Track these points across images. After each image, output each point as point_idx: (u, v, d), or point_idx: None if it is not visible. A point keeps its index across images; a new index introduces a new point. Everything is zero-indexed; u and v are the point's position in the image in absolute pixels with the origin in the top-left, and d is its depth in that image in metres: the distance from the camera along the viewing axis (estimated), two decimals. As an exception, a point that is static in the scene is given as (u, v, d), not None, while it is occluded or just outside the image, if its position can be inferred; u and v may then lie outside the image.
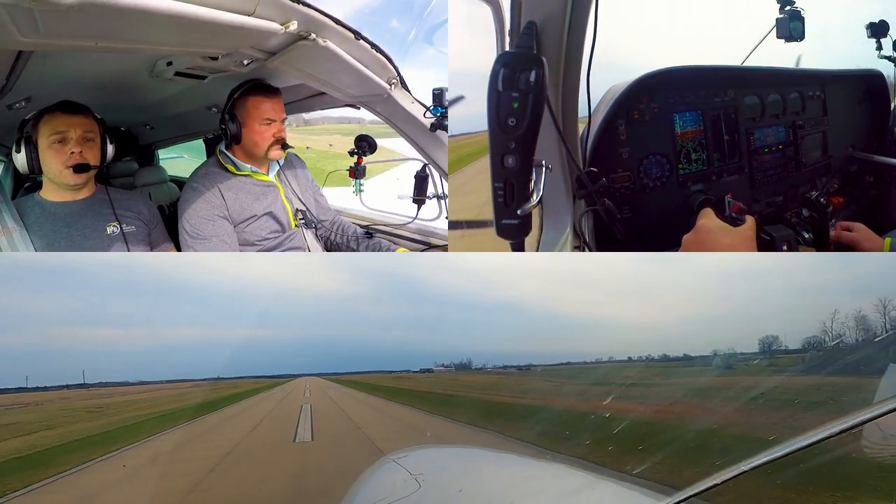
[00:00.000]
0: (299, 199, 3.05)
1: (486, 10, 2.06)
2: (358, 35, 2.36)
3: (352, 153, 3.29)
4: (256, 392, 33.39)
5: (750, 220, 1.78)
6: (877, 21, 3.09)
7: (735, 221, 1.79)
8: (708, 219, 1.79)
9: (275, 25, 2.00)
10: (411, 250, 3.42)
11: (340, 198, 3.74)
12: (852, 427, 0.87)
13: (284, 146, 2.85)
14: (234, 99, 2.77)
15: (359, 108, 3.25)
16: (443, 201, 3.19)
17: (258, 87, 2.78)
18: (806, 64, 2.93)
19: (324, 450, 8.74)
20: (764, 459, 0.94)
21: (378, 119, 3.08)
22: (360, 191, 3.42)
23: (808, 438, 0.90)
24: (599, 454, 5.55)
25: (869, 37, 3.08)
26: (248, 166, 2.85)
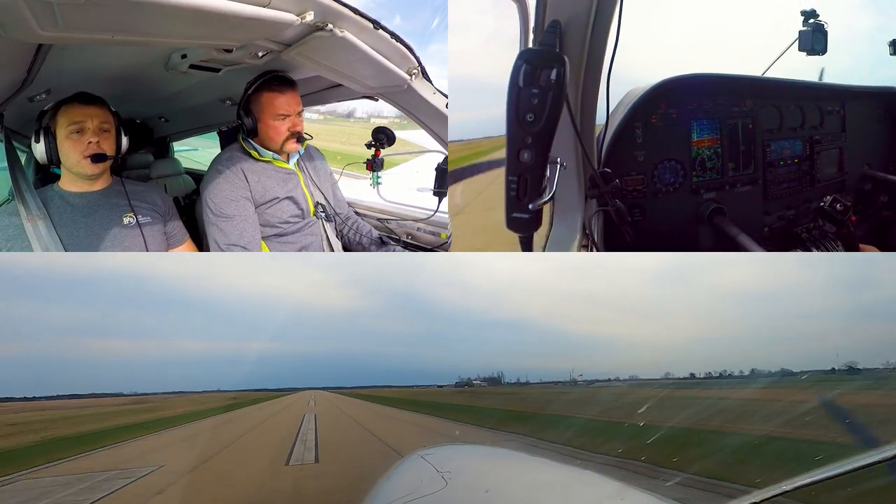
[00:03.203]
0: (319, 191, 3.08)
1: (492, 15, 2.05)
2: (377, 24, 2.32)
3: (369, 145, 3.29)
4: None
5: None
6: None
7: None
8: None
9: (290, 16, 1.98)
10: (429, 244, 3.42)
11: (357, 190, 3.74)
12: None
13: (300, 139, 2.86)
14: (249, 94, 2.78)
15: (377, 100, 3.21)
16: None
17: (272, 80, 2.77)
18: (827, 78, 2.91)
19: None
20: (808, 480, 0.91)
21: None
22: (378, 183, 3.40)
23: (858, 461, 0.87)
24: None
25: (892, 54, 3.05)
26: (270, 153, 2.88)
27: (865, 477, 0.89)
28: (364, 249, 3.28)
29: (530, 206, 1.52)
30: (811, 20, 2.73)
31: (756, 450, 6.92)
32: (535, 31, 1.79)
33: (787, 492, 0.93)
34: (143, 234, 2.62)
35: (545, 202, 1.54)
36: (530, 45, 1.89)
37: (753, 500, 0.95)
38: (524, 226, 1.56)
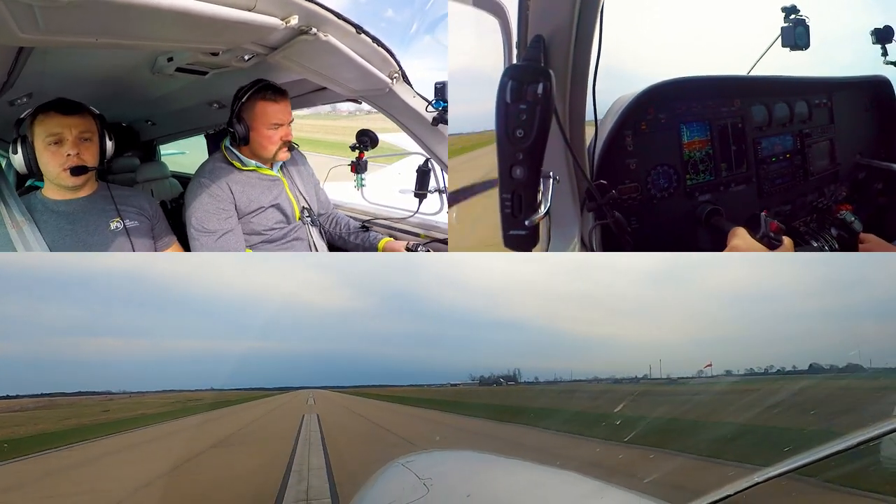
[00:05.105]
0: (303, 196, 3.08)
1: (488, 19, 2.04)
2: (359, 29, 2.34)
3: (353, 148, 3.29)
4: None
5: (788, 242, 1.70)
6: (881, 27, 3.06)
7: (772, 243, 1.69)
8: (741, 239, 1.66)
9: (275, 20, 1.97)
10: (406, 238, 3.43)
11: (342, 192, 3.76)
12: (868, 440, 0.86)
13: (291, 148, 2.87)
14: (242, 102, 2.76)
15: (360, 103, 3.23)
16: (444, 195, 3.19)
17: (265, 89, 2.76)
18: (811, 72, 2.91)
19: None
20: (778, 471, 0.94)
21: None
22: (362, 185, 3.42)
23: (823, 451, 0.90)
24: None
25: (874, 43, 3.05)
26: (253, 162, 2.87)
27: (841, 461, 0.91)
28: (344, 240, 3.32)
29: (526, 223, 1.52)
30: (792, 15, 2.73)
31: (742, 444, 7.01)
32: (518, 47, 1.78)
33: (758, 483, 0.95)
34: (130, 239, 2.58)
35: (541, 217, 1.53)
36: (515, 60, 1.89)
37: (727, 493, 0.97)
38: (522, 243, 1.56)
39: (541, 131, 1.45)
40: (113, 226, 2.55)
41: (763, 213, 1.79)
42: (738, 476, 0.96)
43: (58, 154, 2.36)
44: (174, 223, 2.88)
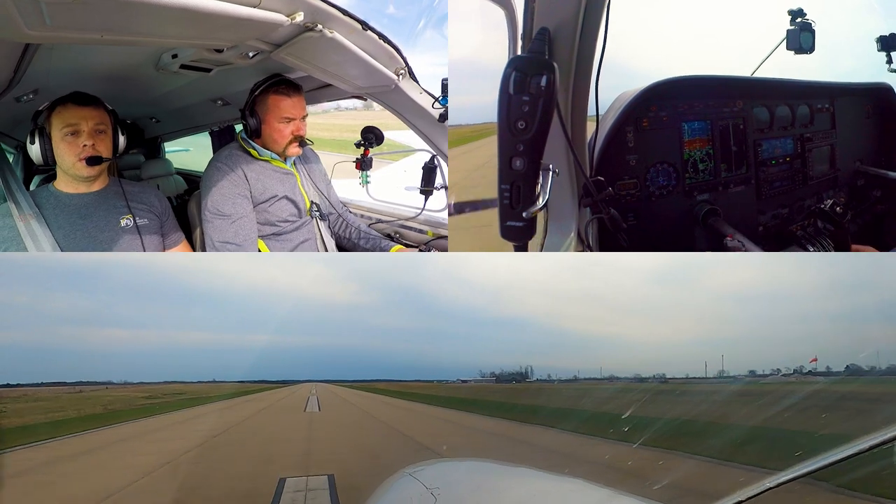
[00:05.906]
0: (314, 191, 3.10)
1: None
2: (365, 25, 2.34)
3: (358, 145, 3.29)
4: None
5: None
6: (887, 35, 3.06)
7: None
8: None
9: (281, 17, 1.98)
10: (416, 241, 3.45)
11: (347, 189, 3.75)
12: (882, 443, 0.85)
13: (302, 143, 2.88)
14: (255, 95, 2.79)
15: (366, 100, 3.25)
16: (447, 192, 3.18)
17: (280, 83, 2.78)
18: (814, 76, 2.92)
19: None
20: (789, 476, 0.92)
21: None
22: (367, 182, 3.42)
23: (837, 455, 0.88)
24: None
25: (879, 50, 3.06)
26: (269, 153, 2.89)
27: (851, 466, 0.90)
28: (354, 244, 3.31)
29: (524, 214, 1.52)
30: (798, 19, 2.74)
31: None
32: (523, 39, 1.79)
33: (770, 488, 0.94)
34: (140, 236, 2.60)
35: (539, 210, 1.53)
36: (519, 52, 1.89)
37: (739, 499, 0.96)
38: (519, 234, 1.56)
39: (542, 124, 1.45)
40: (123, 222, 2.58)
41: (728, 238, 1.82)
42: (749, 481, 0.95)
43: (74, 144, 2.40)
44: (179, 220, 2.88)
